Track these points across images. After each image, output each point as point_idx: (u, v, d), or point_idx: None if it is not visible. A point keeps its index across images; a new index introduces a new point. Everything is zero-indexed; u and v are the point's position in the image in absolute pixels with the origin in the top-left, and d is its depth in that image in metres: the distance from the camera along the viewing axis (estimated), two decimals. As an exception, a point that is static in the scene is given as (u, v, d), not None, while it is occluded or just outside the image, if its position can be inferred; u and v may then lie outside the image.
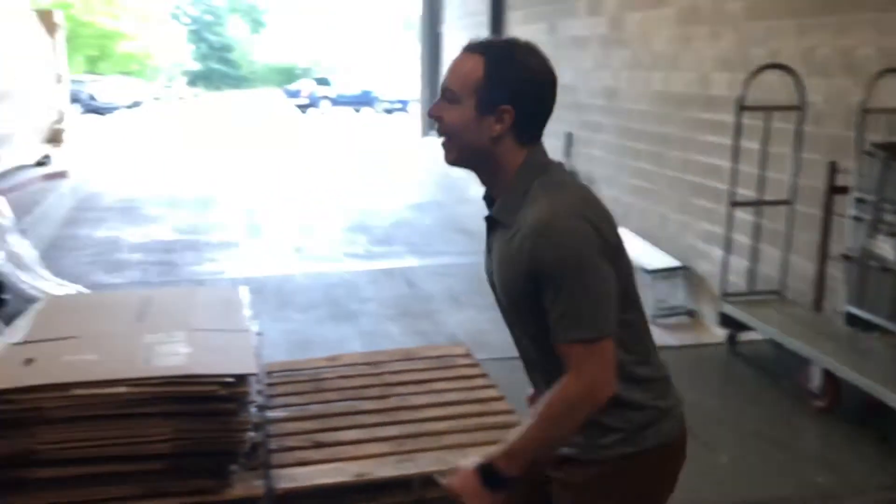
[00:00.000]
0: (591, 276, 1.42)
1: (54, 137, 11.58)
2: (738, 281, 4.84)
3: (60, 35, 12.14)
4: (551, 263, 1.41)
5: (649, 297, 5.62)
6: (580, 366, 1.42)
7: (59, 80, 11.93)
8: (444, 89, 1.55)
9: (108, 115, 26.94)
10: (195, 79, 51.52)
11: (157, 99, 37.47)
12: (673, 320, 5.51)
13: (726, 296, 4.70)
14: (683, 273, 5.69)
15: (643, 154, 6.47)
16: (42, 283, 6.59)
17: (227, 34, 56.24)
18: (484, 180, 1.60)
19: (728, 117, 4.87)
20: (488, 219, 1.58)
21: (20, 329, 2.66)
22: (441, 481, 1.61)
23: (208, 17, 56.60)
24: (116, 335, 2.59)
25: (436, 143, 1.61)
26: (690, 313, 5.58)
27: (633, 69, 6.65)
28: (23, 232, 7.05)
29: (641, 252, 6.06)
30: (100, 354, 2.38)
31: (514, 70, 1.50)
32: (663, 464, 1.60)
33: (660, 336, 5.21)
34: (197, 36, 53.97)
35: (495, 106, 1.49)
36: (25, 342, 2.49)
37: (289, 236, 8.65)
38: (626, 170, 6.79)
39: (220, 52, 55.32)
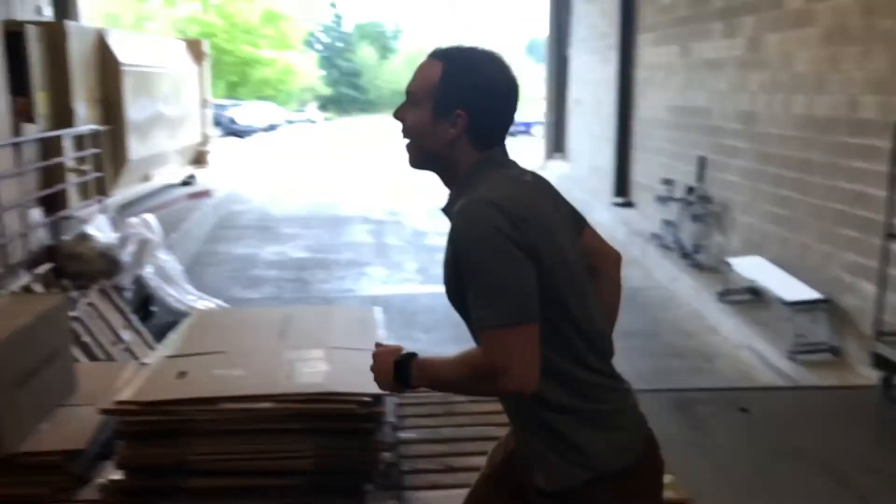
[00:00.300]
0: (499, 262, 1.40)
1: (199, 159, 12.35)
2: (893, 319, 4.50)
3: (207, 63, 12.96)
4: (459, 248, 1.44)
5: (787, 330, 5.33)
6: (488, 349, 1.40)
7: (204, 104, 12.73)
8: (407, 92, 1.60)
9: (246, 138, 28.49)
10: (326, 103, 53.66)
11: (290, 122, 39.29)
12: (814, 357, 5.19)
13: (881, 335, 4.37)
14: (826, 307, 5.36)
15: (783, 180, 6.17)
16: (186, 296, 7.02)
17: (357, 60, 58.34)
18: (444, 182, 1.62)
19: (879, 142, 4.57)
20: (443, 212, 1.60)
21: (173, 342, 2.83)
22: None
23: (339, 44, 59.00)
24: (260, 351, 2.70)
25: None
26: (834, 351, 5.24)
27: (773, 92, 6.37)
28: (170, 248, 7.55)
29: (779, 282, 5.77)
30: (246, 370, 2.50)
31: (468, 76, 1.54)
32: (632, 490, 1.52)
33: (799, 373, 4.96)
34: (328, 62, 56.28)
35: (450, 110, 1.53)
36: (179, 355, 2.64)
37: (413, 257, 8.82)
38: (764, 196, 6.49)
39: (349, 77, 57.43)
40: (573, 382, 1.51)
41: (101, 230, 6.59)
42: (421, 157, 1.61)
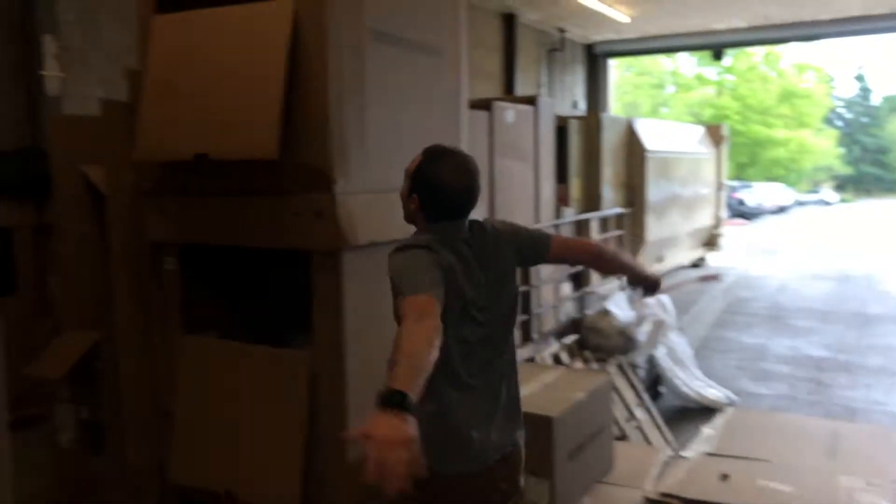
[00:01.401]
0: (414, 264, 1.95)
1: (711, 241, 12.32)
2: None
3: (724, 146, 12.96)
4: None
5: None
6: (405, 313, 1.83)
7: (719, 187, 12.70)
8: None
9: (755, 220, 27.61)
10: (843, 183, 49.20)
11: (801, 204, 36.92)
12: None
13: None
14: None
15: None
16: (695, 382, 6.93)
17: (884, 136, 52.34)
18: None
19: None
20: None
21: (710, 438, 2.74)
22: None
23: (864, 119, 53.73)
24: (807, 468, 2.45)
25: None
26: None
27: None
28: (680, 330, 7.59)
29: None
30: (795, 487, 2.27)
31: (426, 174, 2.10)
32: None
33: None
34: (850, 139, 51.65)
35: (412, 193, 2.13)
36: (718, 454, 2.54)
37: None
38: None
39: (874, 154, 51.79)
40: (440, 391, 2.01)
41: (619, 307, 6.95)
42: (404, 217, 2.21)
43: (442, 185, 2.06)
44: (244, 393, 3.11)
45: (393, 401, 1.54)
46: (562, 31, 15.15)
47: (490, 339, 2.10)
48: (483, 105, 5.42)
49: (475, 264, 2.09)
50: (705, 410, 6.71)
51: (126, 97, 3.54)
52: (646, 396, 6.22)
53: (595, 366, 6.15)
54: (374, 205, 2.98)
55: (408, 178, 2.14)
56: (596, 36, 16.15)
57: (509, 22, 13.65)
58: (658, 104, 39.03)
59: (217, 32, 3.04)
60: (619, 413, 5.61)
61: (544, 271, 6.42)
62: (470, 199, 2.10)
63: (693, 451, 2.68)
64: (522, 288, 5.92)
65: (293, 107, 2.84)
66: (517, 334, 6.03)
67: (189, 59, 3.07)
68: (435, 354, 1.71)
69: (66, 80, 6.62)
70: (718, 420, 2.90)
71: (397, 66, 3.22)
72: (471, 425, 2.02)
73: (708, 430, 2.84)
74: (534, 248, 2.28)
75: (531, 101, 6.31)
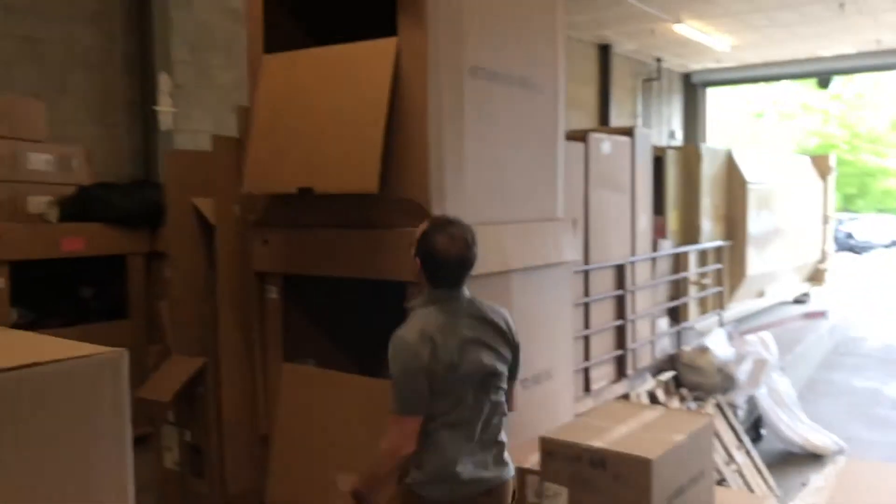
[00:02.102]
0: (404, 376, 2.38)
1: (816, 276, 11.76)
2: None
3: (832, 177, 12.40)
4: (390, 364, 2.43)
5: None
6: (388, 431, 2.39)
7: (825, 220, 12.14)
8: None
9: (864, 254, 26.23)
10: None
11: (915, 238, 34.86)
12: None
13: None
14: None
15: None
16: (799, 425, 6.60)
17: None
18: None
19: None
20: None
21: (818, 491, 2.59)
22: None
23: None
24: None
25: None
26: None
27: None
28: (783, 370, 7.25)
29: None
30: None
31: (427, 242, 2.43)
32: None
33: None
34: (970, 169, 48.54)
35: (416, 255, 2.46)
36: (830, 508, 2.40)
37: None
38: None
39: None
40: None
41: (718, 344, 6.71)
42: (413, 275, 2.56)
43: (437, 253, 2.41)
44: (340, 420, 3.16)
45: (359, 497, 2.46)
46: (659, 60, 14.97)
47: (478, 392, 2.44)
48: (579, 136, 5.39)
49: (464, 325, 2.43)
50: (811, 457, 6.36)
51: (233, 131, 3.72)
52: (746, 439, 5.95)
53: (692, 405, 5.95)
54: (470, 238, 3.00)
55: (415, 242, 2.47)
56: (694, 65, 15.87)
57: (605, 52, 13.59)
58: (759, 134, 37.84)
59: (322, 71, 3.15)
60: (718, 456, 5.40)
61: (640, 304, 6.28)
62: (462, 268, 2.45)
63: (802, 503, 2.54)
64: (617, 322, 5.81)
65: (393, 142, 2.91)
66: (611, 369, 5.91)
67: (295, 97, 3.19)
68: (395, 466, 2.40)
69: (178, 116, 7.01)
70: (829, 470, 2.74)
71: (495, 100, 3.26)
72: (457, 461, 2.41)
73: (818, 480, 2.69)
74: (515, 355, 2.59)
75: (628, 131, 6.23)
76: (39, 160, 5.13)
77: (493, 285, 3.15)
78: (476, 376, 2.44)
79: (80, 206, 5.14)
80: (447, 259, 2.41)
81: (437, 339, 2.36)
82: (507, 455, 2.58)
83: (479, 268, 2.98)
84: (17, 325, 4.74)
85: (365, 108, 2.92)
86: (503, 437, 2.57)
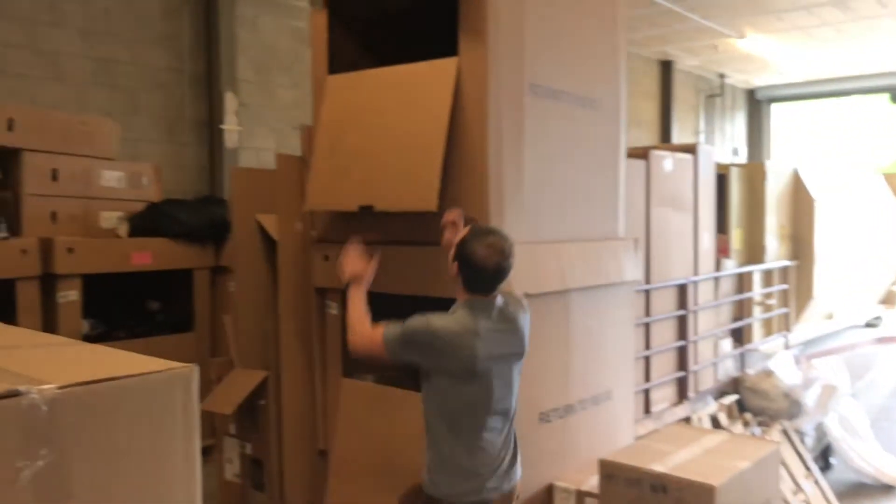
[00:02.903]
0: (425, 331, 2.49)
1: (888, 299, 11.33)
2: None
3: (905, 196, 11.97)
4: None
5: None
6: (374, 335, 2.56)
7: (898, 241, 11.71)
8: None
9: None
10: None
11: None
12: None
13: None
14: None
15: None
16: (873, 455, 6.34)
17: None
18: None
19: None
20: None
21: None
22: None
23: None
24: None
25: None
26: None
27: None
28: (853, 396, 6.98)
29: None
30: None
31: (466, 247, 2.52)
32: None
33: None
34: None
35: (454, 260, 2.56)
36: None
37: None
38: None
39: None
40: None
41: (784, 368, 6.51)
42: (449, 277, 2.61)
43: (476, 262, 2.49)
44: (398, 436, 3.17)
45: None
46: (722, 76, 14.72)
47: (496, 397, 2.50)
48: (640, 154, 5.33)
49: (494, 331, 2.50)
50: (884, 488, 6.09)
51: (294, 148, 3.79)
52: (814, 467, 5.73)
53: (757, 430, 5.77)
54: (529, 256, 2.99)
55: (455, 246, 2.57)
56: (759, 80, 15.55)
57: (666, 68, 13.44)
58: (828, 151, 36.80)
59: (383, 90, 3.20)
60: (784, 485, 5.21)
61: (702, 325, 6.15)
62: (497, 277, 2.52)
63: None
64: (679, 343, 5.69)
65: (453, 160, 2.93)
66: (672, 391, 5.78)
67: (356, 116, 3.24)
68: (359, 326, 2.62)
69: (242, 133, 7.19)
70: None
71: (555, 119, 3.25)
72: (476, 468, 2.49)
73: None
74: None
75: (690, 149, 6.13)
76: (112, 177, 5.32)
77: (551, 304, 3.13)
78: (503, 377, 2.53)
79: (149, 222, 5.30)
80: (485, 268, 2.49)
81: (470, 337, 2.44)
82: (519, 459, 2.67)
83: (536, 287, 2.96)
84: (87, 336, 4.91)
85: (425, 127, 2.94)
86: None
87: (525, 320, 2.63)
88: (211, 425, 3.99)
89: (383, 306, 3.56)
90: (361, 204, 3.10)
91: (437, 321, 2.47)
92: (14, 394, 0.87)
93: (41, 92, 6.03)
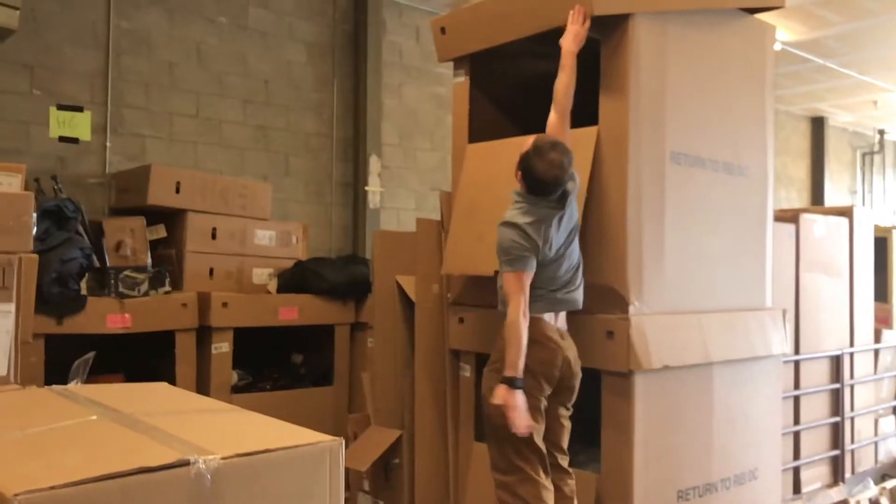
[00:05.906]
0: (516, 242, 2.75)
1: None
2: None
3: None
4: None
5: None
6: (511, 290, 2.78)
7: None
8: None
9: None
10: None
11: None
12: None
13: None
14: None
15: None
16: None
17: None
18: None
19: None
20: None
21: None
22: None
23: None
24: None
25: None
26: None
27: None
28: None
29: None
30: None
31: (527, 158, 2.79)
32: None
33: None
34: None
35: (518, 168, 2.83)
36: None
37: None
38: None
39: None
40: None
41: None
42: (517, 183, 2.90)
43: (536, 174, 2.75)
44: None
45: (513, 384, 2.68)
46: (881, 132, 13.85)
47: (568, 269, 2.83)
48: (789, 217, 5.08)
49: (555, 222, 2.78)
50: None
51: (432, 209, 3.90)
52: None
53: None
54: (670, 327, 2.91)
55: (520, 156, 2.80)
56: (922, 136, 14.50)
57: (818, 125, 12.81)
58: None
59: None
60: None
61: (860, 400, 5.70)
62: (555, 187, 2.76)
63: None
64: (833, 419, 5.30)
65: (592, 229, 2.92)
66: (825, 470, 5.36)
67: (492, 183, 3.31)
68: (526, 323, 2.71)
69: (384, 194, 7.48)
70: None
71: (698, 186, 3.18)
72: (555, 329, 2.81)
73: None
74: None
75: (845, 211, 5.79)
76: (264, 236, 5.68)
77: (692, 377, 3.01)
78: (569, 253, 2.83)
79: (296, 279, 5.59)
80: (545, 180, 2.75)
81: (535, 228, 2.73)
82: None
83: (677, 358, 2.87)
84: (235, 387, 5.20)
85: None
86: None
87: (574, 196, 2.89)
88: (346, 480, 4.08)
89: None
90: (496, 269, 3.14)
91: (509, 234, 2.77)
92: (185, 463, 0.95)
93: (205, 156, 6.55)
